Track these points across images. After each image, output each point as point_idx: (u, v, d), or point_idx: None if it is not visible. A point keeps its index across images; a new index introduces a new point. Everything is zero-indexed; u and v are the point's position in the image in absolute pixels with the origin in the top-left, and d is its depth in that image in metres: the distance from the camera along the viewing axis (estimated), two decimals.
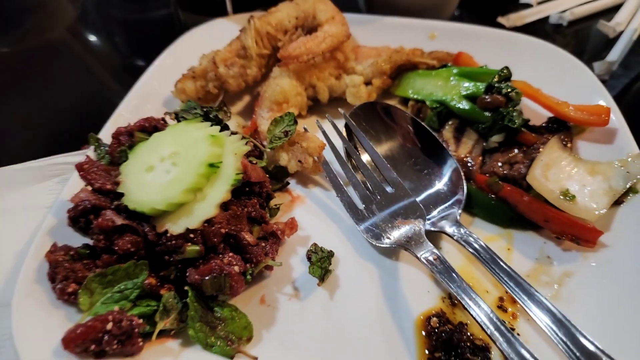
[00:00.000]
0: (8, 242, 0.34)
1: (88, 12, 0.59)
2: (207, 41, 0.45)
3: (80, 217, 0.29)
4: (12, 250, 0.33)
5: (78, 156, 0.38)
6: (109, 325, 0.25)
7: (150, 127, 0.34)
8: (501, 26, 0.52)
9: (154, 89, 0.42)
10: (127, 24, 0.58)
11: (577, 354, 0.26)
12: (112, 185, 0.30)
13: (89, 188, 0.31)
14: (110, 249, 0.28)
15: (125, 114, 0.39)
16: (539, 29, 0.53)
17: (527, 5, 0.55)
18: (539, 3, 0.55)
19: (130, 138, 0.34)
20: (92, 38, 0.55)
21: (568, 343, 0.26)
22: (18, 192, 0.38)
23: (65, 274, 0.28)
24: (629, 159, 0.32)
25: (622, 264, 0.29)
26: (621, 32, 0.50)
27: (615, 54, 0.47)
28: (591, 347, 0.26)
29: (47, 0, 0.59)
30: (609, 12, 0.53)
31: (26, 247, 0.32)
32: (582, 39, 0.51)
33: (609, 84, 0.46)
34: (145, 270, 0.28)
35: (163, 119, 0.35)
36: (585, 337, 0.26)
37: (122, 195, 0.29)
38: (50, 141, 0.44)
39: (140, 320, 0.26)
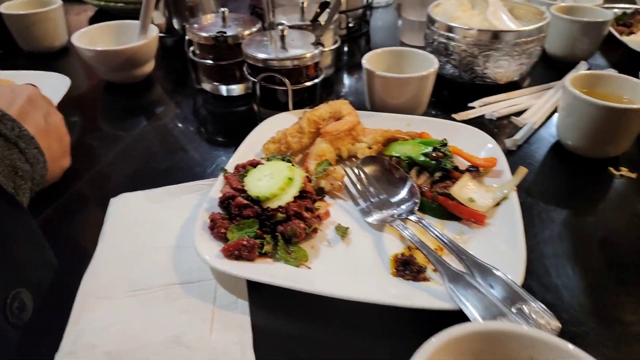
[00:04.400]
0: (175, 219, 0.63)
1: (191, 108, 0.93)
2: (278, 124, 0.77)
3: (225, 200, 0.59)
4: (180, 222, 0.62)
5: (210, 181, 0.69)
6: (244, 242, 0.54)
7: (255, 164, 0.65)
8: (453, 119, 0.84)
9: (248, 149, 0.74)
10: (219, 115, 0.92)
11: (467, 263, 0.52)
12: (240, 186, 0.60)
13: (227, 188, 0.61)
14: (240, 215, 0.58)
15: (234, 163, 0.69)
16: (478, 121, 0.83)
17: (472, 107, 0.88)
18: (480, 107, 0.88)
19: (244, 169, 0.65)
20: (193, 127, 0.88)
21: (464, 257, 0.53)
22: (171, 200, 0.68)
23: (219, 225, 0.57)
24: (504, 184, 0.62)
25: (493, 229, 0.57)
26: (525, 124, 0.81)
27: (520, 135, 0.78)
28: (478, 261, 0.52)
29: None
30: (521, 113, 0.85)
31: (189, 220, 0.62)
32: (502, 127, 0.82)
33: (516, 152, 0.76)
34: (257, 224, 0.57)
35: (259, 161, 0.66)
36: (476, 257, 0.52)
37: (245, 191, 0.59)
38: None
39: (258, 241, 0.54)
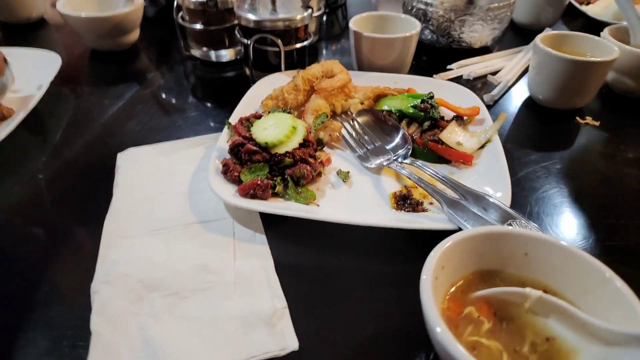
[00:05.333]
0: (185, 169, 0.66)
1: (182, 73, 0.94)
2: (271, 84, 0.81)
3: (235, 147, 0.63)
4: (190, 171, 0.65)
5: (214, 135, 0.72)
6: (258, 182, 0.58)
7: (258, 116, 0.69)
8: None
9: (246, 107, 0.77)
10: (210, 80, 0.94)
11: (460, 191, 0.58)
12: (248, 134, 0.64)
13: (236, 137, 0.65)
14: (250, 160, 0.62)
15: (236, 116, 0.73)
16: (457, 81, 0.89)
17: (450, 69, 0.94)
18: (458, 68, 0.94)
19: (248, 121, 0.68)
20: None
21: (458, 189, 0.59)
22: (178, 153, 0.70)
23: (232, 169, 0.61)
24: (487, 129, 0.68)
25: (480, 168, 0.63)
26: (500, 82, 0.88)
27: (496, 91, 0.85)
28: (471, 190, 0.58)
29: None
30: (495, 73, 0.91)
31: (198, 169, 0.65)
32: (479, 86, 0.89)
33: (493, 107, 0.83)
34: (267, 167, 0.61)
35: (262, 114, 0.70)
36: (469, 187, 0.59)
37: (252, 139, 0.63)
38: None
39: (270, 182, 0.59)
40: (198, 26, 0.91)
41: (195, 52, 0.96)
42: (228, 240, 0.54)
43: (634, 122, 0.80)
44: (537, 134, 0.78)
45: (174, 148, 0.69)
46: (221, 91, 0.89)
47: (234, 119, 0.70)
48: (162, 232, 0.55)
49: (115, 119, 0.79)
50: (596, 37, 0.80)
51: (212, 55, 0.95)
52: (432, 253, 0.39)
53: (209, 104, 0.85)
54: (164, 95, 0.86)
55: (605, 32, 0.84)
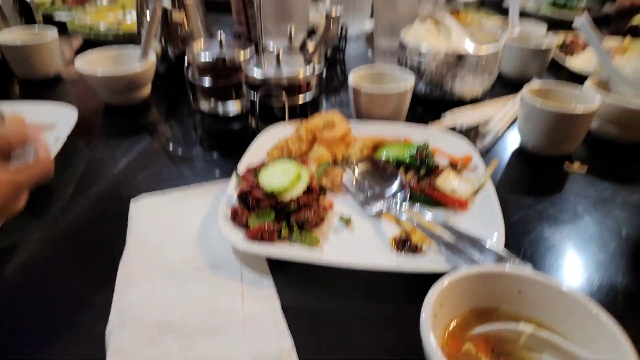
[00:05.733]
0: (195, 216, 0.69)
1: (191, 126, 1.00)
2: (276, 135, 0.86)
3: (243, 194, 0.67)
4: (200, 218, 0.69)
5: (222, 183, 0.76)
6: (265, 227, 0.61)
7: (264, 164, 0.73)
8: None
9: (253, 156, 0.81)
10: (217, 132, 1.00)
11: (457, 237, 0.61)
12: (255, 182, 0.68)
13: (244, 185, 0.68)
14: (258, 206, 0.65)
15: (243, 165, 0.77)
16: (451, 129, 0.95)
17: (443, 117, 0.99)
18: (451, 117, 1.00)
19: (255, 170, 0.72)
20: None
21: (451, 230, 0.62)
22: (188, 200, 0.74)
23: (240, 214, 0.64)
24: (480, 175, 0.72)
25: (475, 212, 0.66)
26: (491, 131, 0.93)
27: (488, 139, 0.90)
28: (466, 234, 0.61)
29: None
30: (486, 123, 0.96)
31: (208, 215, 0.68)
32: (473, 133, 0.94)
33: (485, 156, 0.88)
34: (273, 213, 0.64)
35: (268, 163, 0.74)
36: (465, 231, 0.62)
37: (259, 186, 0.67)
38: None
39: (276, 227, 0.62)
40: (207, 82, 0.97)
41: (204, 106, 1.02)
42: (236, 284, 0.56)
43: (620, 167, 0.85)
44: (528, 179, 0.82)
45: (185, 195, 0.73)
46: (228, 142, 0.94)
47: (241, 167, 0.74)
48: (174, 276, 0.57)
49: (127, 169, 0.83)
50: (579, 88, 0.86)
51: (220, 108, 1.01)
52: (429, 292, 0.41)
53: (216, 155, 0.89)
54: (173, 147, 0.91)
55: (588, 83, 0.91)
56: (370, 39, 1.52)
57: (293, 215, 0.64)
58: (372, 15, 1.55)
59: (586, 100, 0.84)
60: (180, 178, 0.80)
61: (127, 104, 1.05)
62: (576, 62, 1.25)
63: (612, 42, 1.29)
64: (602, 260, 0.62)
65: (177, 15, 1.17)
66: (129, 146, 0.90)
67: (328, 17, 1.02)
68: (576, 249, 0.65)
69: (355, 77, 0.94)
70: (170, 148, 0.91)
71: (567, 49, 1.33)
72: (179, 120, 1.02)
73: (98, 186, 0.78)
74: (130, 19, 1.50)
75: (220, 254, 0.61)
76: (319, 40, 1.00)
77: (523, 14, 1.51)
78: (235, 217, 0.64)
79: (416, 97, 1.05)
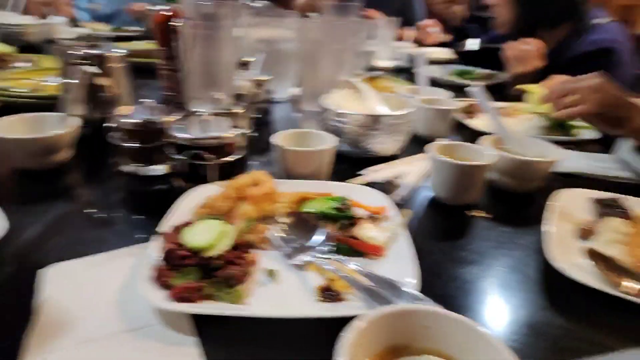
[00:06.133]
0: (114, 279, 0.67)
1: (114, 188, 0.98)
2: (201, 195, 0.87)
3: (165, 254, 0.66)
4: (120, 281, 0.66)
5: (144, 245, 0.74)
6: (189, 285, 0.61)
7: (188, 224, 0.74)
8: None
9: (177, 217, 0.82)
10: (141, 194, 0.99)
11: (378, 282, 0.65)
12: (178, 241, 0.68)
13: (167, 244, 0.68)
14: (182, 265, 0.65)
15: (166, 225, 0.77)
16: (370, 184, 1.01)
17: (360, 175, 1.06)
18: (369, 173, 1.07)
19: (178, 229, 0.73)
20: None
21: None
22: (107, 264, 0.72)
23: (163, 275, 0.63)
24: (395, 224, 0.78)
25: (392, 258, 0.71)
26: (406, 184, 1.01)
27: (403, 192, 0.98)
28: (384, 279, 0.65)
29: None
30: (401, 177, 1.05)
31: (129, 278, 0.66)
32: (390, 187, 1.02)
33: (401, 207, 0.95)
34: (198, 271, 0.64)
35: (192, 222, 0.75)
36: (383, 276, 0.65)
37: (183, 245, 0.67)
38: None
39: (201, 285, 0.62)
40: (131, 144, 0.97)
41: (129, 169, 1.01)
42: (158, 346, 0.55)
43: (519, 213, 0.96)
44: (440, 226, 0.89)
45: (104, 260, 0.71)
46: (152, 204, 0.94)
47: (164, 227, 0.74)
48: (91, 343, 0.55)
49: (39, 236, 0.79)
50: (477, 146, 0.98)
51: (146, 170, 1.01)
52: (343, 334, 0.44)
53: (139, 216, 0.88)
54: (93, 210, 0.89)
55: (483, 140, 1.03)
56: (295, 102, 1.62)
57: (218, 271, 0.65)
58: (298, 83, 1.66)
59: (484, 156, 0.95)
60: (101, 242, 0.78)
61: (44, 168, 1.01)
62: (477, 123, 1.41)
63: (504, 105, 1.49)
64: (506, 295, 0.69)
65: (103, 80, 1.18)
66: (42, 211, 0.87)
67: (255, 82, 1.08)
68: (483, 286, 0.71)
69: (280, 138, 1.00)
70: (90, 211, 0.89)
71: (470, 112, 1.50)
72: (101, 183, 1.00)
73: (4, 254, 0.73)
74: (52, 82, 1.48)
75: (142, 316, 0.59)
76: (246, 104, 1.06)
77: (434, 83, 1.70)
78: (157, 277, 0.63)
79: (339, 156, 1.13)
